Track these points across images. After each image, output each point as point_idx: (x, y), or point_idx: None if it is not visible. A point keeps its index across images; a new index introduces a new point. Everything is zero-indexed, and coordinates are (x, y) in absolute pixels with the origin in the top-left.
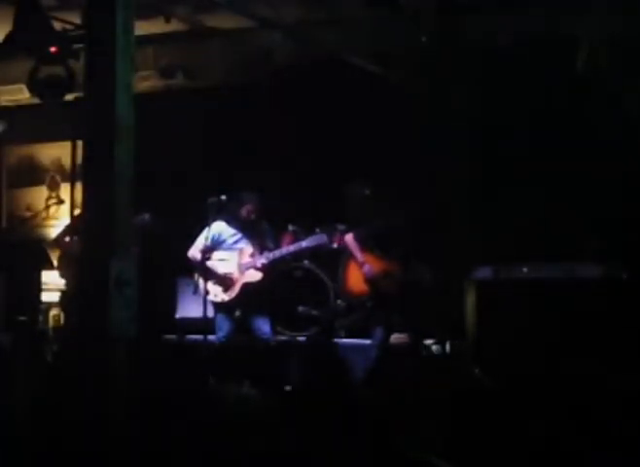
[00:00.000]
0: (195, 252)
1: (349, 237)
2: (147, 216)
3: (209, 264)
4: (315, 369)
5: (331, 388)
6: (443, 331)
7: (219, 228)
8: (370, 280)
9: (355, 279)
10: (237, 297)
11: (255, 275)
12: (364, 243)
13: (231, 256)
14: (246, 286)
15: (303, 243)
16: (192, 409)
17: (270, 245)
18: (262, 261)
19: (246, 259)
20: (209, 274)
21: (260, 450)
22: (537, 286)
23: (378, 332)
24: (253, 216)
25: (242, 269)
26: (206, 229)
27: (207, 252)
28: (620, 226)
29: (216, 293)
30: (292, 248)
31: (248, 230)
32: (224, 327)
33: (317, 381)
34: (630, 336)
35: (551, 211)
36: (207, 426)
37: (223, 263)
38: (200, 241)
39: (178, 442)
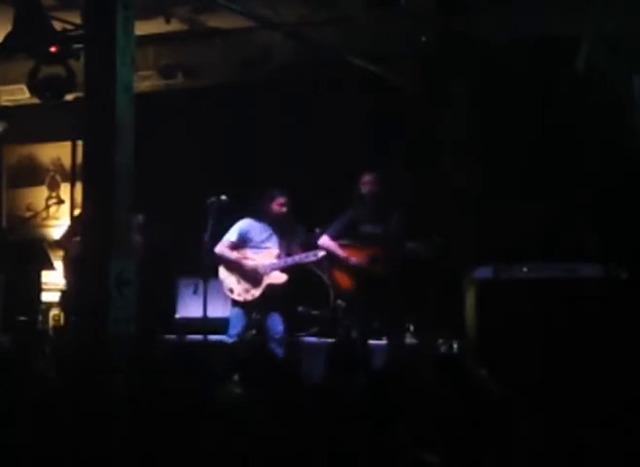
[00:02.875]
0: (223, 248)
1: (325, 240)
2: (140, 217)
3: (235, 260)
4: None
5: (332, 387)
6: (449, 330)
7: (247, 225)
8: (360, 271)
9: (343, 277)
10: (260, 297)
11: (280, 277)
12: (340, 239)
13: (257, 255)
14: (270, 287)
15: (320, 253)
16: (197, 410)
17: (298, 242)
18: (287, 262)
19: (272, 259)
20: (234, 271)
21: (260, 451)
22: (537, 286)
23: (354, 332)
24: (284, 209)
25: (267, 269)
26: (235, 225)
27: (236, 248)
28: (620, 226)
29: (239, 292)
30: (311, 257)
31: (278, 227)
32: (238, 325)
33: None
34: (631, 336)
35: (551, 211)
36: (208, 427)
37: (249, 262)
38: (228, 238)
39: (179, 442)
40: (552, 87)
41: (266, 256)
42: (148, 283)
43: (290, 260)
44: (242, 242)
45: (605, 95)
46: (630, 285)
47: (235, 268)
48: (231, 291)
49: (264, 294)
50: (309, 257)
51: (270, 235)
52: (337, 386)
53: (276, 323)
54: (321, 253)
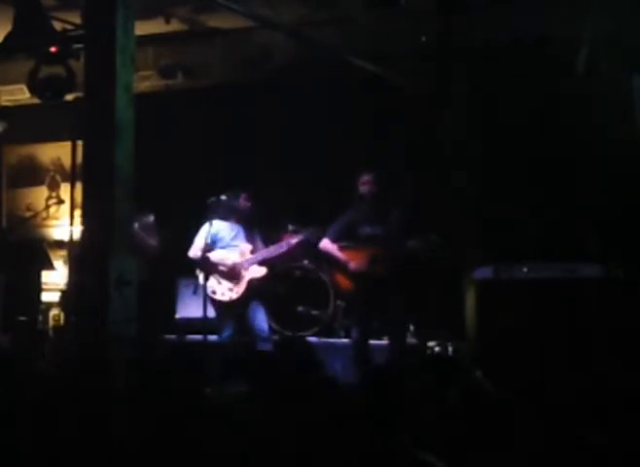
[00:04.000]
0: (195, 251)
1: (325, 244)
2: (152, 216)
3: (213, 262)
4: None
5: (326, 388)
6: (445, 332)
7: (216, 226)
8: (361, 274)
9: (344, 279)
10: (244, 294)
11: (260, 271)
12: (340, 241)
13: (231, 254)
14: (252, 282)
15: (292, 240)
16: (192, 410)
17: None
18: (263, 255)
19: (248, 255)
20: (214, 273)
21: (260, 451)
22: (537, 286)
23: (354, 332)
24: (249, 203)
25: (246, 265)
26: (203, 228)
27: (208, 250)
28: (620, 226)
29: (223, 292)
30: (284, 247)
31: (244, 224)
32: (228, 327)
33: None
34: (631, 335)
35: (551, 211)
36: (208, 427)
37: (225, 261)
38: (199, 241)
39: (179, 442)
40: (552, 86)
41: (241, 253)
42: (148, 283)
43: (265, 252)
44: (213, 243)
45: (605, 95)
46: (630, 285)
47: (214, 269)
48: (214, 292)
49: (248, 290)
50: (282, 247)
51: (238, 234)
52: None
53: (262, 321)
54: (294, 240)
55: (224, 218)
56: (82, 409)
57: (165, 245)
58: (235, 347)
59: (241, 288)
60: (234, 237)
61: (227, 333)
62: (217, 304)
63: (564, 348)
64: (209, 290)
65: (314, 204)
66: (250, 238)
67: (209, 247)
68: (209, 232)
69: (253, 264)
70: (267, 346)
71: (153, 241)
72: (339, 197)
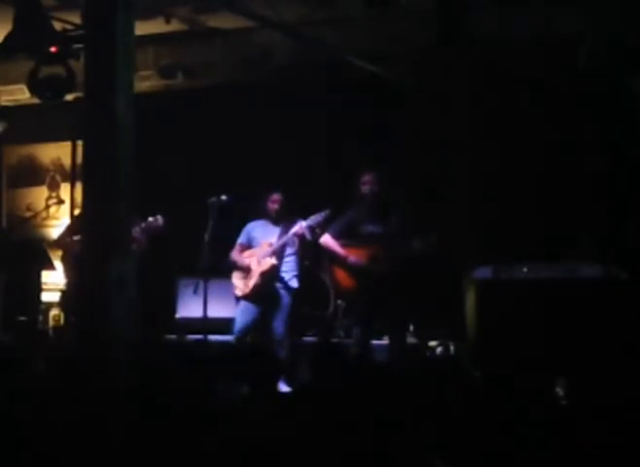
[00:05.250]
0: (233, 253)
1: (326, 239)
2: (159, 218)
3: (235, 261)
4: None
5: (332, 388)
6: (445, 332)
7: (250, 225)
8: (360, 270)
9: (344, 276)
10: (256, 288)
11: (269, 262)
12: (341, 238)
13: (256, 250)
14: (264, 275)
15: (304, 223)
16: (192, 410)
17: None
18: (275, 245)
19: (265, 249)
20: (239, 271)
21: (258, 449)
22: (537, 286)
23: (355, 331)
24: (277, 206)
25: (260, 259)
26: (243, 230)
27: (244, 250)
28: (620, 226)
29: (241, 287)
30: (291, 234)
31: (279, 223)
32: (240, 322)
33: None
34: (630, 336)
35: (551, 211)
36: (208, 427)
37: (249, 258)
38: (237, 242)
39: (179, 442)
40: (552, 86)
41: (261, 248)
42: (148, 283)
43: (276, 243)
44: (249, 242)
45: (605, 95)
46: (630, 285)
47: (239, 267)
48: (236, 288)
49: (260, 284)
50: (290, 236)
51: (271, 231)
52: (322, 387)
53: (280, 324)
54: (297, 226)
55: (259, 217)
56: (82, 409)
57: (166, 246)
58: (241, 346)
59: (252, 281)
60: (266, 235)
61: (236, 328)
62: (236, 298)
63: (564, 348)
64: (234, 288)
65: (314, 204)
66: (282, 236)
67: (245, 247)
68: (246, 232)
69: (266, 257)
70: (280, 349)
71: (140, 237)
72: (340, 196)
